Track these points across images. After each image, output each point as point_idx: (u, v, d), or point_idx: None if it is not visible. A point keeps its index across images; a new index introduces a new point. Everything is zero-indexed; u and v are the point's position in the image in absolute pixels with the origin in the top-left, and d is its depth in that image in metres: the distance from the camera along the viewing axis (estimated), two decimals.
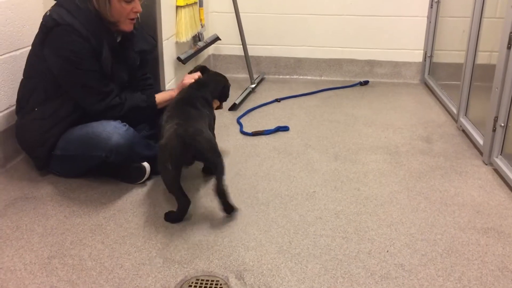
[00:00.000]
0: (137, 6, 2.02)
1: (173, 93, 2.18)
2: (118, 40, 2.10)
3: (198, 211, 1.96)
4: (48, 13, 1.97)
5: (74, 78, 1.99)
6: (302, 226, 1.86)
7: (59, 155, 2.08)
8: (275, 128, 2.81)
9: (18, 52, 2.28)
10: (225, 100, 2.38)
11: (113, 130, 1.99)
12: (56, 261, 1.64)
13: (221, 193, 1.85)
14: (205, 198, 2.05)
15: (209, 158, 1.90)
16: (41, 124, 2.05)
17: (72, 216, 1.90)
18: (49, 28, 1.94)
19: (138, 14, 2.07)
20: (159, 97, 2.20)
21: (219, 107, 2.36)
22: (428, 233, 1.82)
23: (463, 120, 2.82)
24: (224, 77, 2.36)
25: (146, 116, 2.25)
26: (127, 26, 2.05)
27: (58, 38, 1.93)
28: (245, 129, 2.80)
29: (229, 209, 1.91)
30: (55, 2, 2.00)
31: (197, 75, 2.25)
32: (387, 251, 1.71)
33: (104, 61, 2.00)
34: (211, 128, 2.15)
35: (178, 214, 1.87)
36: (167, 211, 1.91)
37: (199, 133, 1.86)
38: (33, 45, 2.06)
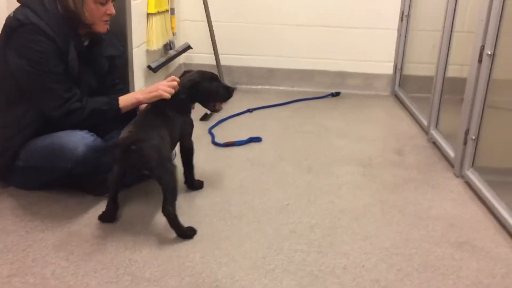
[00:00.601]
0: (111, 8, 1.98)
1: (139, 96, 2.02)
2: (85, 44, 2.03)
3: (168, 225, 1.88)
4: (12, 15, 1.89)
5: (37, 79, 1.88)
6: (276, 240, 1.82)
7: (21, 166, 1.97)
8: (247, 139, 2.76)
9: None
10: (212, 101, 2.10)
11: (80, 140, 1.90)
12: (16, 280, 1.53)
13: (166, 216, 1.77)
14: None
15: (152, 169, 1.77)
16: (1, 132, 1.95)
17: (34, 231, 1.80)
18: (13, 29, 1.86)
19: (110, 17, 2.01)
20: (123, 99, 2.04)
21: (214, 109, 2.14)
22: (403, 248, 1.80)
23: (433, 132, 2.84)
24: (199, 74, 2.08)
25: (112, 122, 2.11)
26: (102, 28, 2.00)
27: (22, 38, 1.85)
28: (217, 140, 2.74)
29: (180, 234, 1.79)
30: (20, 3, 1.92)
31: (174, 83, 2.00)
32: (363, 266, 1.68)
33: (71, 62, 1.91)
34: (187, 134, 2.07)
35: (104, 215, 1.87)
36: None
37: (144, 140, 1.76)
38: None
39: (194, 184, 2.16)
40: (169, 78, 2.02)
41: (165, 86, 1.97)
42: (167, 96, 1.95)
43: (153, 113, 1.95)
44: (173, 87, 1.98)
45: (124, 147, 1.75)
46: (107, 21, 2.00)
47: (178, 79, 2.02)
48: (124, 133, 1.81)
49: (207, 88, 2.04)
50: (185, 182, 2.15)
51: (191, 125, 2.11)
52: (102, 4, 1.94)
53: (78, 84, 1.98)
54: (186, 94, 2.00)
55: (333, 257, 1.73)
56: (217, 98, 2.10)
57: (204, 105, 2.13)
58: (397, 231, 1.91)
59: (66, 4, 1.90)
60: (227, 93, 2.10)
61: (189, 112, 2.10)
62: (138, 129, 1.83)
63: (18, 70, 1.88)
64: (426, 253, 1.77)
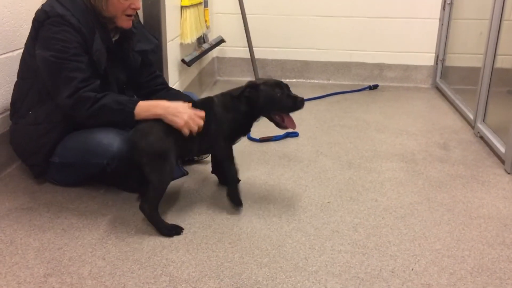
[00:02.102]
0: (136, 2, 1.90)
1: (160, 112, 1.78)
2: (114, 39, 1.97)
3: (206, 223, 1.82)
4: (40, 7, 1.86)
5: (57, 68, 1.80)
6: (318, 240, 1.73)
7: (57, 163, 1.95)
8: (284, 134, 2.68)
9: (15, 53, 2.15)
10: (273, 109, 1.85)
11: (115, 136, 1.86)
12: (53, 280, 1.50)
13: (142, 211, 1.75)
14: (213, 210, 1.92)
15: (143, 164, 1.72)
16: (35, 129, 1.93)
17: (71, 229, 1.76)
18: (40, 22, 1.83)
19: (136, 12, 1.94)
20: (143, 106, 1.80)
21: (282, 124, 1.86)
22: (454, 249, 1.69)
23: (481, 126, 2.69)
24: (262, 80, 1.90)
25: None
26: (125, 23, 1.92)
27: (48, 31, 1.81)
28: (252, 135, 2.67)
29: (159, 232, 1.73)
30: None
31: (201, 121, 1.81)
32: (412, 269, 1.58)
33: (96, 53, 1.85)
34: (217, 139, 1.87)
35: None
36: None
37: (142, 135, 1.74)
38: (26, 43, 1.95)
39: (236, 199, 1.91)
40: (198, 112, 1.82)
41: (192, 121, 1.78)
42: (186, 132, 1.77)
43: (199, 105, 1.87)
44: (199, 125, 1.80)
45: (130, 142, 1.78)
46: (130, 15, 1.92)
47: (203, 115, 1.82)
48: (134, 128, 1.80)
49: (267, 93, 1.82)
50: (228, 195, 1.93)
51: (227, 129, 1.87)
52: None
53: (105, 78, 1.93)
54: (240, 94, 1.83)
55: (379, 259, 1.63)
56: (280, 107, 1.84)
57: (268, 116, 1.88)
58: (447, 231, 1.79)
59: None
60: (292, 103, 1.83)
61: (238, 116, 1.86)
62: (148, 122, 1.78)
63: (41, 61, 1.84)
64: (480, 255, 1.66)
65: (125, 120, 1.84)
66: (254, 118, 1.92)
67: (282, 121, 1.87)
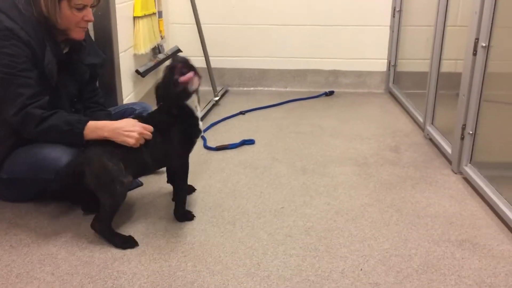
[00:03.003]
0: (89, 14, 1.89)
1: (106, 134, 1.78)
2: (65, 51, 1.96)
3: (159, 233, 1.82)
4: None
5: (4, 83, 1.77)
6: (271, 245, 1.75)
7: (4, 178, 1.90)
8: (240, 141, 2.70)
9: None
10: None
11: (63, 151, 1.83)
12: None
13: (94, 230, 1.78)
14: (167, 220, 1.91)
15: (94, 190, 1.75)
16: None
17: (19, 246, 1.73)
18: None
19: (88, 24, 1.93)
20: (92, 127, 1.80)
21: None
22: (402, 248, 1.74)
23: (430, 128, 2.78)
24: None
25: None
26: (78, 34, 1.91)
27: None
28: (209, 144, 2.68)
29: (116, 246, 1.74)
30: None
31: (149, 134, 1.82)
32: (361, 269, 1.62)
33: (47, 67, 1.83)
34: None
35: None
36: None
37: (86, 162, 1.74)
38: None
39: (182, 216, 1.91)
40: (146, 126, 1.82)
41: (139, 135, 1.78)
42: (136, 145, 1.79)
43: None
44: (147, 137, 1.81)
45: (71, 171, 1.78)
46: (84, 27, 1.91)
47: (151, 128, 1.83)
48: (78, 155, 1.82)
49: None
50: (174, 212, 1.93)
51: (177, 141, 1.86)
52: (79, 9, 1.84)
53: (57, 92, 1.90)
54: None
55: (330, 261, 1.66)
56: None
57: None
58: (396, 231, 1.85)
59: (39, 9, 1.81)
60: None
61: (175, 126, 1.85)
62: (90, 147, 1.78)
63: None
64: (426, 253, 1.71)
65: (73, 141, 1.83)
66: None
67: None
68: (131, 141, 1.77)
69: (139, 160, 1.82)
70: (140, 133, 1.79)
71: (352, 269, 1.62)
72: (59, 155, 1.82)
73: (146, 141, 1.81)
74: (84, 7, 1.85)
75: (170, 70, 1.80)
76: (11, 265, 1.62)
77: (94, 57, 2.07)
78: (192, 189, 2.13)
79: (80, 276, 1.57)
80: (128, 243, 1.74)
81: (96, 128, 1.81)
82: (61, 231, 1.83)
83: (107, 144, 1.77)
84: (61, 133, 1.81)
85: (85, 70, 2.04)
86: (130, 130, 1.78)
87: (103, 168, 1.72)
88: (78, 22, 1.87)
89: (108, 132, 1.79)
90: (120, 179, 1.72)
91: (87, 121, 1.81)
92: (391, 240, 1.79)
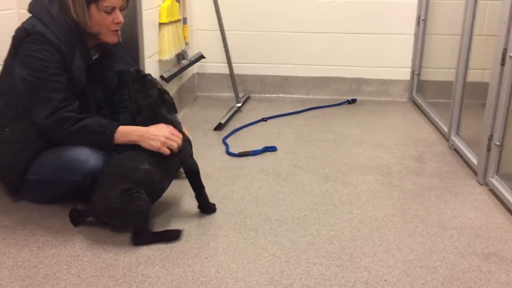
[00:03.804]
0: (119, 16, 1.91)
1: (136, 139, 1.83)
2: (94, 57, 1.99)
3: (183, 238, 1.83)
4: (20, 26, 1.88)
5: (35, 88, 1.82)
6: (293, 253, 1.75)
7: (32, 180, 1.94)
8: (262, 148, 2.71)
9: None
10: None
11: (90, 153, 1.86)
12: None
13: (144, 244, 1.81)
14: (190, 225, 1.93)
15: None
16: (10, 147, 1.92)
17: (46, 247, 1.76)
18: (20, 40, 1.84)
19: (120, 26, 1.96)
20: (123, 131, 1.85)
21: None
22: (427, 260, 1.72)
23: (454, 138, 2.75)
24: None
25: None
26: (110, 38, 1.94)
27: (27, 48, 1.82)
28: (231, 150, 2.69)
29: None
30: (30, 14, 1.90)
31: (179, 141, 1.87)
32: (385, 280, 1.61)
33: (76, 72, 1.87)
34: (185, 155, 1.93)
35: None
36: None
37: (103, 199, 1.77)
38: (5, 60, 1.95)
39: (207, 208, 2.01)
40: (174, 131, 1.87)
41: (169, 140, 1.82)
42: (167, 151, 1.82)
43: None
44: (177, 143, 1.85)
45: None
46: (116, 30, 1.94)
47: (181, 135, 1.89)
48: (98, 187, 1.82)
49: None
50: (198, 207, 2.01)
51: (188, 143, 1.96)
52: (108, 12, 1.87)
53: (84, 97, 1.94)
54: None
55: (354, 271, 1.65)
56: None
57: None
58: (420, 242, 1.83)
59: (70, 15, 1.85)
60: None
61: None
62: (103, 179, 1.81)
63: (20, 79, 1.85)
64: (452, 266, 1.69)
65: (103, 142, 1.87)
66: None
67: None
68: (156, 145, 1.80)
69: (170, 164, 1.86)
70: (166, 138, 1.81)
71: (376, 280, 1.61)
72: (86, 157, 1.85)
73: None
74: (113, 9, 1.88)
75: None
76: (38, 266, 1.65)
77: (124, 64, 2.10)
78: (213, 207, 2.08)
79: (105, 279, 1.58)
80: (174, 235, 1.82)
81: (126, 132, 1.85)
82: (86, 233, 1.85)
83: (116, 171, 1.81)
84: (92, 133, 1.85)
85: (113, 77, 2.08)
86: (157, 134, 1.81)
87: (113, 198, 1.74)
88: (109, 25, 1.90)
89: (137, 137, 1.83)
90: (140, 193, 1.74)
91: (118, 125, 1.86)
92: (415, 251, 1.77)
